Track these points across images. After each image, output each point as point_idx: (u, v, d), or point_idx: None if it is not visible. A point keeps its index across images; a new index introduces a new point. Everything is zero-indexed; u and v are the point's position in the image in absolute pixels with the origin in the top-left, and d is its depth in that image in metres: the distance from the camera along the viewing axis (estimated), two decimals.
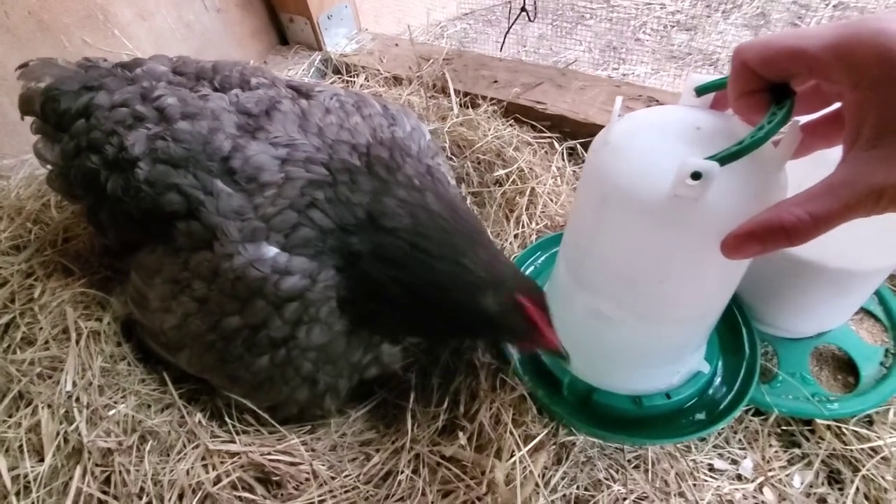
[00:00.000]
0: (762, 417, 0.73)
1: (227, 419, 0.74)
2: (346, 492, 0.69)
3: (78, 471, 0.66)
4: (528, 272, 0.87)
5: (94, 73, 0.80)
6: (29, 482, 0.65)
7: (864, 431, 0.69)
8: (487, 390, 0.72)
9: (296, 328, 0.65)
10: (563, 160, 1.10)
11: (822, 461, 0.69)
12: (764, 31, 1.79)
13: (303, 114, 0.74)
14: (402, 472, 0.69)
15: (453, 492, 0.66)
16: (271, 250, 0.64)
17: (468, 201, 1.06)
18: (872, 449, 0.68)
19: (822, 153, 0.48)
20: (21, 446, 0.68)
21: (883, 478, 0.66)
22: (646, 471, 0.67)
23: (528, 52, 1.84)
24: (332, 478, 0.70)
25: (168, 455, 0.71)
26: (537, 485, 0.63)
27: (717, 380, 0.73)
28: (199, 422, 0.75)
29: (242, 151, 0.67)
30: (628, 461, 0.68)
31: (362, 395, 0.84)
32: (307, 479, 0.70)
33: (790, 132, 0.46)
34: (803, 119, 0.47)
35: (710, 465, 0.69)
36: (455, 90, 1.25)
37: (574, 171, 1.09)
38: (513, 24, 1.49)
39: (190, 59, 0.85)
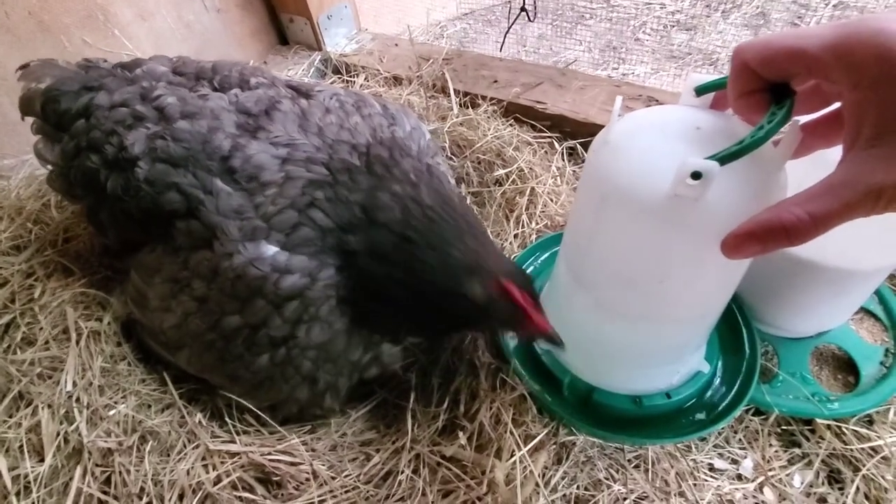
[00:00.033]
0: (762, 417, 0.73)
1: (227, 419, 0.74)
2: (346, 492, 0.69)
3: (78, 471, 0.66)
4: (528, 272, 0.87)
5: (95, 74, 0.80)
6: (29, 482, 0.65)
7: (864, 431, 0.69)
8: (488, 390, 0.72)
9: (296, 327, 0.65)
10: (563, 160, 1.10)
11: (823, 461, 0.69)
12: (764, 30, 1.79)
13: (303, 113, 0.74)
14: (403, 472, 0.69)
15: (454, 492, 0.66)
16: (271, 249, 0.64)
17: (468, 201, 1.06)
18: (873, 448, 0.68)
19: (823, 153, 0.48)
20: (21, 446, 0.68)
21: (883, 477, 0.66)
22: (646, 470, 0.67)
23: (528, 52, 1.84)
24: (333, 478, 0.70)
25: (168, 455, 0.71)
26: (537, 484, 0.63)
27: (718, 380, 0.73)
28: (200, 422, 0.75)
29: (243, 151, 0.67)
30: (628, 461, 0.68)
31: (363, 395, 0.84)
32: (307, 479, 0.70)
33: (790, 132, 0.46)
34: (803, 119, 0.47)
35: (710, 464, 0.69)
36: (455, 90, 1.25)
37: (574, 171, 1.09)
38: (513, 23, 1.49)
39: (190, 60, 0.85)
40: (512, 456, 0.64)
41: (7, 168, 1.05)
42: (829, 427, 0.71)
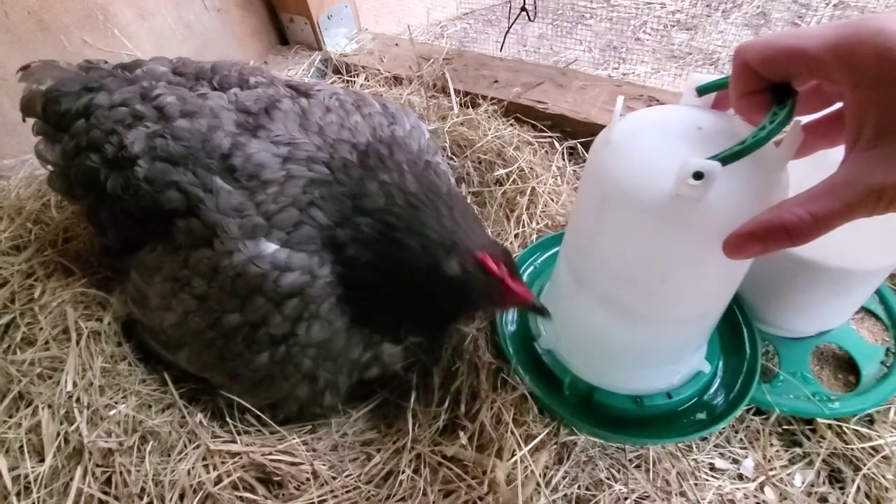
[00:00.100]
0: (763, 417, 0.73)
1: (227, 419, 0.74)
2: (347, 492, 0.69)
3: (78, 471, 0.66)
4: (528, 272, 0.87)
5: (95, 75, 0.80)
6: (29, 483, 0.65)
7: (864, 430, 0.69)
8: (488, 390, 0.72)
9: (296, 325, 0.66)
10: (564, 160, 1.10)
11: (823, 460, 0.69)
12: (764, 30, 1.79)
13: (303, 113, 0.74)
14: (404, 472, 0.69)
15: (454, 492, 0.66)
16: (271, 247, 0.64)
17: (469, 200, 1.06)
18: (873, 448, 0.68)
19: (824, 153, 0.48)
20: (21, 447, 0.68)
21: (884, 477, 0.66)
22: (647, 470, 0.67)
23: (529, 52, 1.84)
24: (333, 478, 0.70)
25: (169, 455, 0.71)
26: (538, 484, 0.63)
27: (718, 379, 0.73)
28: (200, 422, 0.75)
29: (243, 149, 0.67)
30: (629, 461, 0.68)
31: (363, 395, 0.84)
32: (308, 479, 0.70)
33: (792, 132, 0.46)
34: (805, 119, 0.47)
35: (711, 464, 0.69)
36: (455, 90, 1.25)
37: (574, 171, 1.09)
38: (513, 23, 1.49)
39: (189, 61, 0.85)
40: (513, 456, 0.64)
41: (7, 168, 1.05)
42: (829, 426, 0.71)
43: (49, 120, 0.78)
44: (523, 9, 1.45)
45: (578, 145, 1.12)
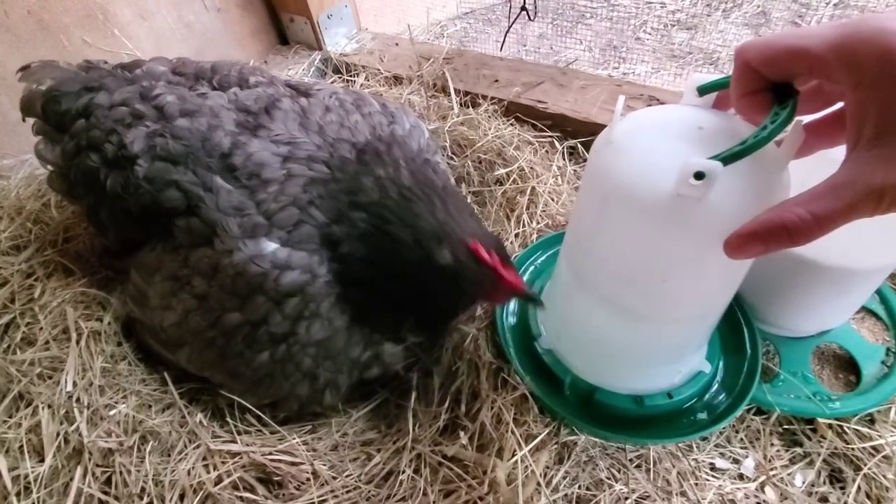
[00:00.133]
0: (764, 416, 0.73)
1: (228, 419, 0.74)
2: (347, 492, 0.69)
3: (78, 471, 0.66)
4: (528, 272, 0.87)
5: (95, 75, 0.80)
6: (29, 483, 0.65)
7: (865, 430, 0.69)
8: (489, 390, 0.72)
9: (296, 324, 0.66)
10: (564, 159, 1.10)
11: (824, 460, 0.69)
12: (764, 29, 1.79)
13: (303, 112, 0.74)
14: (404, 472, 0.69)
15: (455, 491, 0.66)
16: (271, 245, 0.64)
17: (469, 200, 1.06)
18: (874, 448, 0.68)
19: (826, 152, 0.48)
20: (21, 447, 0.67)
21: (884, 476, 0.66)
22: (647, 470, 0.67)
23: (529, 52, 1.84)
24: (334, 478, 0.70)
25: (169, 455, 0.71)
26: (539, 484, 0.63)
27: (719, 379, 0.73)
28: (200, 422, 0.75)
29: (243, 148, 0.67)
30: (630, 460, 0.68)
31: (364, 394, 0.84)
32: (308, 479, 0.70)
33: (793, 132, 0.45)
34: (806, 119, 0.47)
35: (711, 464, 0.69)
36: (455, 89, 1.25)
37: (575, 171, 1.08)
38: (513, 23, 1.48)
39: (189, 61, 0.85)
40: (513, 456, 0.64)
41: (7, 168, 1.05)
42: (830, 426, 0.70)
43: (49, 120, 0.78)
44: (523, 8, 1.45)
45: (579, 145, 1.12)
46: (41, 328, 0.78)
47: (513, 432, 0.66)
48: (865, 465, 0.67)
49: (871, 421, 0.71)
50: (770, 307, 0.78)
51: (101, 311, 0.82)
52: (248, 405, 0.73)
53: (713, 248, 0.45)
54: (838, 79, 0.38)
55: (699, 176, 0.42)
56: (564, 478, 0.66)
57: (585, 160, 1.10)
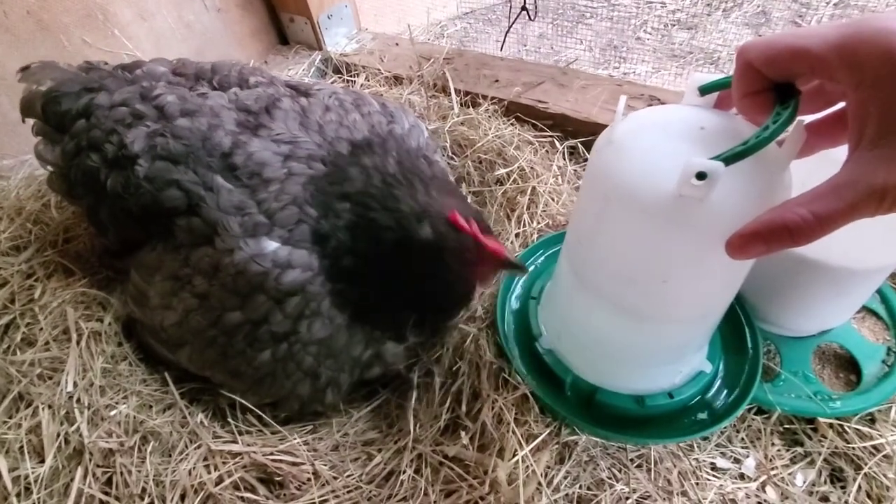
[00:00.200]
0: (765, 416, 0.73)
1: (229, 419, 0.74)
2: (348, 492, 0.69)
3: (79, 472, 0.66)
4: (529, 271, 0.86)
5: (95, 75, 0.80)
6: (30, 483, 0.65)
7: (866, 430, 0.69)
8: (490, 390, 0.72)
9: (297, 322, 0.66)
10: (565, 159, 1.10)
11: (825, 459, 0.69)
12: (765, 29, 1.79)
13: (303, 111, 0.75)
14: (405, 472, 0.69)
15: (456, 491, 0.66)
16: (271, 244, 0.64)
17: (469, 200, 1.06)
18: (875, 447, 0.68)
19: (828, 152, 0.48)
20: (21, 447, 0.67)
21: (885, 476, 0.66)
22: (648, 470, 0.67)
23: (529, 52, 1.84)
24: (335, 478, 0.70)
25: (170, 455, 0.71)
26: (540, 484, 0.63)
27: (720, 379, 0.72)
28: (201, 422, 0.75)
29: (244, 148, 0.68)
30: (631, 460, 0.68)
31: (365, 394, 0.84)
32: (309, 479, 0.70)
33: (795, 132, 0.45)
34: (808, 118, 0.47)
35: (712, 464, 0.69)
36: (456, 89, 1.24)
37: (575, 171, 1.08)
38: (513, 23, 1.48)
39: (189, 61, 0.85)
40: (514, 455, 0.64)
41: (7, 168, 1.04)
42: (831, 426, 0.70)
43: (49, 120, 0.78)
44: (524, 8, 1.45)
45: (579, 145, 1.12)
46: (41, 329, 0.78)
47: (514, 432, 0.66)
48: (866, 464, 0.67)
49: (871, 420, 0.71)
50: (771, 307, 0.78)
51: (102, 312, 0.82)
52: (249, 405, 0.73)
53: (714, 249, 0.45)
54: (840, 79, 0.38)
55: (701, 176, 0.42)
56: (565, 478, 0.66)
57: (586, 160, 1.10)
